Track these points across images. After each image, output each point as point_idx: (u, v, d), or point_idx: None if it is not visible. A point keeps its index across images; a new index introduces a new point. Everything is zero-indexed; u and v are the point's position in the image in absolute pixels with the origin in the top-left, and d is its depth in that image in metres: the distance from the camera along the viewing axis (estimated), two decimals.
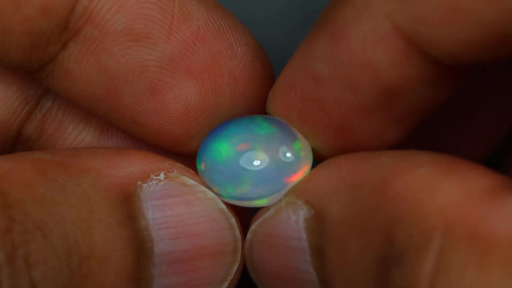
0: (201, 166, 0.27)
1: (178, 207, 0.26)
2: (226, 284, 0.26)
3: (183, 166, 0.27)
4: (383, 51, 0.24)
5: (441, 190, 0.21)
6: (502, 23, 0.21)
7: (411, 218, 0.21)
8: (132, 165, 0.26)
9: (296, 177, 0.27)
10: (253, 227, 0.27)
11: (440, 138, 0.32)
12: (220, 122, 0.28)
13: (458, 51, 0.22)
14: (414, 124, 0.26)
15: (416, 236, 0.21)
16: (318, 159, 0.28)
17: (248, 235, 0.27)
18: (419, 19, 0.22)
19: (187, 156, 0.29)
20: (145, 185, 0.25)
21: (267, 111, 0.28)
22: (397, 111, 0.25)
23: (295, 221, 0.26)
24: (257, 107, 0.28)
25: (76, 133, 0.30)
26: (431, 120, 0.30)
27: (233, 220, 0.26)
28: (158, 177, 0.26)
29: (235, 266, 0.26)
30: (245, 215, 0.29)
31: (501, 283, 0.19)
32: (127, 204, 0.25)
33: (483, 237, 0.19)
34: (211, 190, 0.27)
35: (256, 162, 0.26)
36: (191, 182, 0.26)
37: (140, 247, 0.25)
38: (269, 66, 0.28)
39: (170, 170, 0.26)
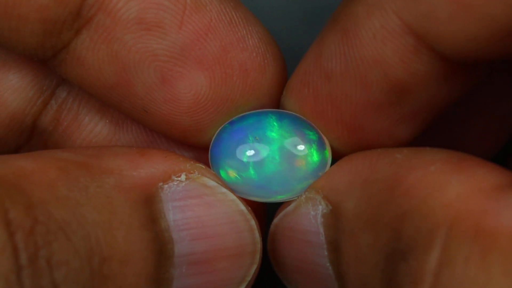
0: (228, 173, 0.27)
1: (198, 208, 0.26)
2: (243, 286, 0.26)
3: (204, 167, 0.27)
4: (392, 47, 0.24)
5: (449, 187, 0.21)
6: (508, 18, 0.21)
7: (419, 213, 0.21)
8: (153, 166, 0.26)
9: (324, 171, 0.27)
10: (275, 220, 0.28)
11: (449, 135, 0.32)
12: (231, 115, 0.27)
13: (465, 47, 0.22)
14: (426, 122, 0.27)
15: (422, 230, 0.21)
16: (333, 156, 0.28)
17: (271, 229, 0.28)
18: (427, 15, 0.22)
19: (198, 148, 0.29)
20: (166, 186, 0.25)
21: (280, 107, 0.28)
22: (407, 108, 0.26)
23: (313, 216, 0.26)
24: (268, 100, 0.28)
25: (92, 126, 0.30)
26: (441, 118, 0.30)
27: (253, 222, 0.26)
28: (179, 178, 0.26)
29: (254, 268, 0.26)
30: (260, 214, 0.29)
31: (501, 278, 0.19)
32: (149, 205, 0.25)
33: (486, 232, 0.20)
34: (244, 194, 0.27)
35: (296, 165, 0.27)
36: (212, 183, 0.26)
37: (160, 248, 0.25)
38: (282, 59, 0.28)
39: (191, 171, 0.26)
